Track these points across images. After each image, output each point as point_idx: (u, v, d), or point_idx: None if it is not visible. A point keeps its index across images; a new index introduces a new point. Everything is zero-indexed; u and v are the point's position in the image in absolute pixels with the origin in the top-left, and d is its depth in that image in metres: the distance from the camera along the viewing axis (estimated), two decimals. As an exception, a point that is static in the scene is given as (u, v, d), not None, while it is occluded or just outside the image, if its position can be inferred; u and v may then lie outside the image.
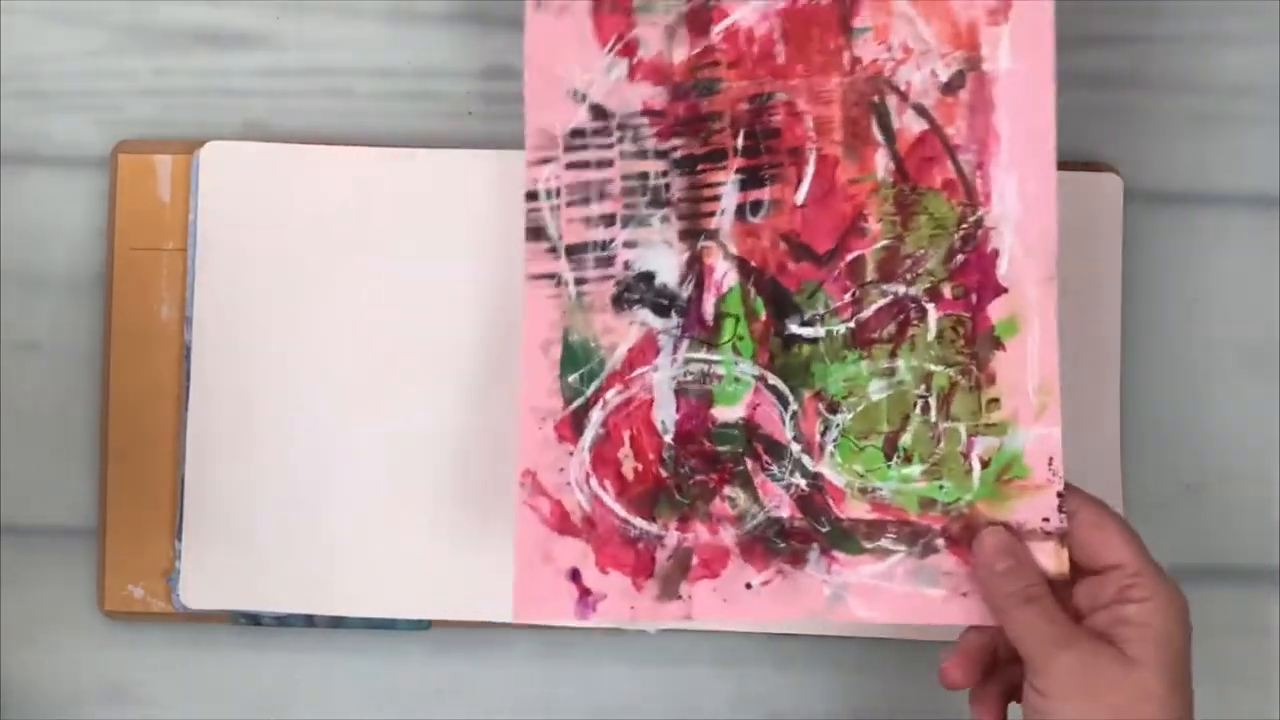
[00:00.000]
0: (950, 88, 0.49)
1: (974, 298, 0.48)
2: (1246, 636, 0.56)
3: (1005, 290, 0.48)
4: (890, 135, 0.49)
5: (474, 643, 0.56)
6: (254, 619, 0.55)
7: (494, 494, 0.54)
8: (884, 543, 0.48)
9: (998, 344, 0.48)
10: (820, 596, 0.49)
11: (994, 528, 0.47)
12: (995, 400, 0.48)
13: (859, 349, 0.49)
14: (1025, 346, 0.48)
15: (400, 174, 0.55)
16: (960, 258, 0.48)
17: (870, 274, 0.49)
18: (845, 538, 0.49)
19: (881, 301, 0.49)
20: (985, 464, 0.48)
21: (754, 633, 0.55)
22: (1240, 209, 0.58)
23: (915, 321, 0.49)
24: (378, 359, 0.55)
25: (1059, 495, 0.47)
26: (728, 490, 0.49)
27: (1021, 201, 0.48)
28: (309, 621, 0.55)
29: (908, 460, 0.49)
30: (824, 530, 0.49)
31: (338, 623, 0.55)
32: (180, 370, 0.55)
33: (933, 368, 0.49)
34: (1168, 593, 0.45)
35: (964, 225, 0.48)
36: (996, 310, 0.48)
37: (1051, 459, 0.48)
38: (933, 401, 0.48)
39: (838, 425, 0.49)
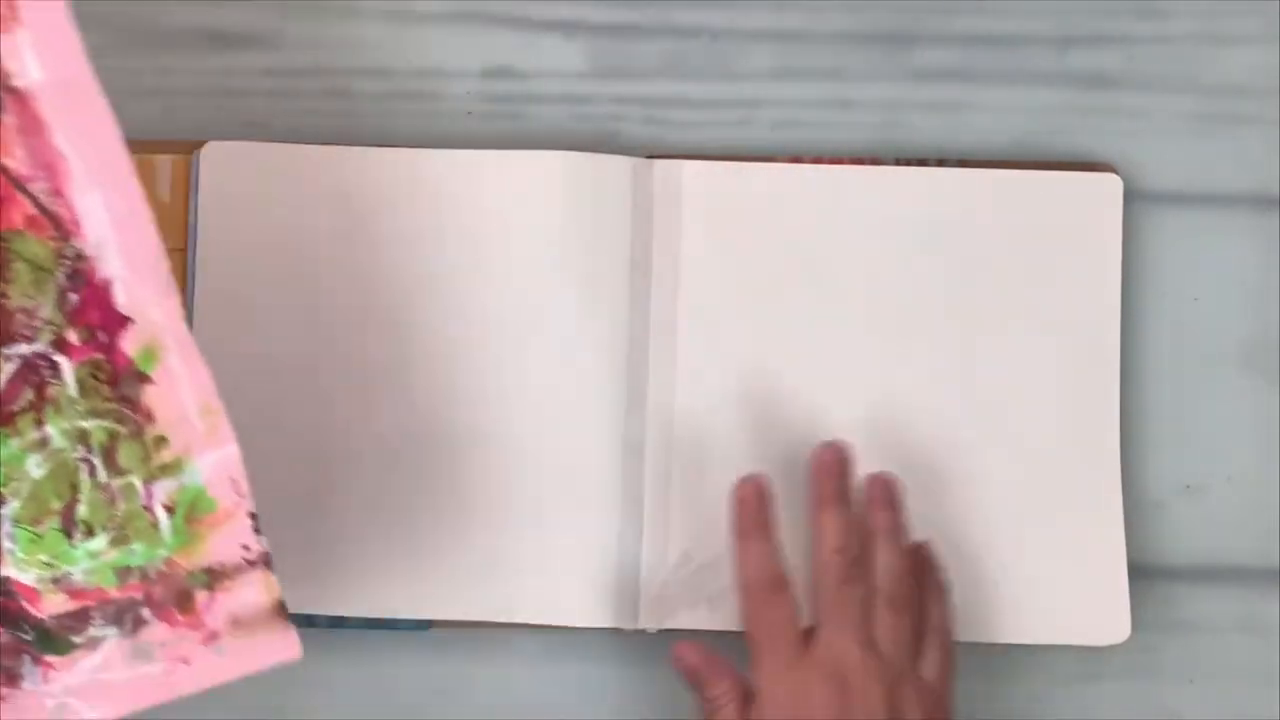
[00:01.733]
0: None
1: (103, 337, 0.42)
2: (1246, 636, 0.56)
3: (131, 320, 0.41)
4: None
5: (474, 643, 0.56)
6: (252, 619, 0.54)
7: (496, 493, 0.54)
8: (92, 631, 0.42)
9: (144, 378, 0.41)
10: (45, 711, 0.42)
11: (687, 643, 0.51)
12: (163, 438, 0.42)
13: (2, 427, 0.41)
14: (172, 373, 0.42)
15: (400, 174, 0.55)
16: (74, 298, 0.41)
17: None
18: (53, 639, 0.43)
19: (9, 368, 0.41)
20: (171, 510, 0.42)
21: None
22: (1240, 209, 0.58)
23: (51, 380, 0.41)
24: (380, 358, 0.55)
25: (251, 515, 0.42)
26: None
27: (114, 224, 0.41)
28: (309, 621, 0.55)
29: (90, 533, 0.42)
30: (29, 638, 0.42)
31: (338, 623, 0.55)
32: (179, 370, 0.54)
33: (86, 424, 0.42)
34: None
35: (65, 261, 0.41)
36: (129, 344, 0.41)
37: (235, 480, 0.42)
38: (98, 461, 0.42)
39: (8, 517, 0.42)
